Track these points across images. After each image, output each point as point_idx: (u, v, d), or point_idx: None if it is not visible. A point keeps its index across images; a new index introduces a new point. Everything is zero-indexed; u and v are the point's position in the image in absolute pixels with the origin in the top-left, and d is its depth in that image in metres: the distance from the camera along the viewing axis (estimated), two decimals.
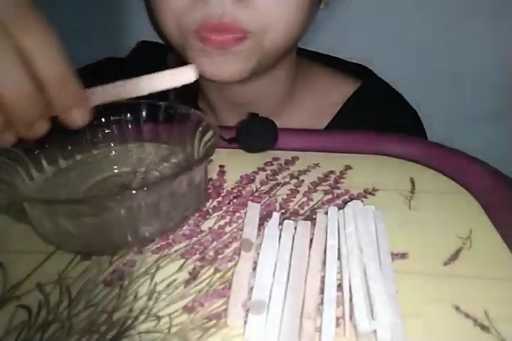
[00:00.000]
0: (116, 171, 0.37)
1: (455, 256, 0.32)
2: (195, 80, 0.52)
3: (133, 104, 0.38)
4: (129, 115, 0.38)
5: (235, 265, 0.31)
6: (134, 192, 0.27)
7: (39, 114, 0.25)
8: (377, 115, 0.57)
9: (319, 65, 0.60)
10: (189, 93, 0.60)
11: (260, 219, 0.35)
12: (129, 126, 0.39)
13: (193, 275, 0.30)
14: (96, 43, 0.63)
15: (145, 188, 0.27)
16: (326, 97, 0.59)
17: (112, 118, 0.38)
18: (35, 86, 0.24)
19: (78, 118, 0.27)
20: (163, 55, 0.60)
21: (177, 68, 0.32)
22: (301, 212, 0.36)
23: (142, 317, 0.27)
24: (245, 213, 0.35)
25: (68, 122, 0.27)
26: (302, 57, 0.59)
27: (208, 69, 0.46)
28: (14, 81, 0.24)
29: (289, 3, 0.43)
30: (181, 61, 0.51)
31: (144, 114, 0.38)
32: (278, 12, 0.43)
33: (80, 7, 0.61)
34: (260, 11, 0.43)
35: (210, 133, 0.34)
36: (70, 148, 0.37)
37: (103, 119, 0.38)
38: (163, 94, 0.60)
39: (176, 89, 0.61)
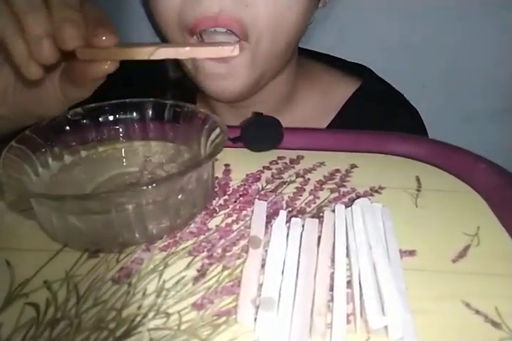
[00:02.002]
0: (122, 170, 0.37)
1: (463, 253, 0.32)
2: (193, 81, 0.52)
3: (139, 103, 0.38)
4: (134, 113, 0.38)
5: (244, 262, 0.30)
6: (144, 188, 0.27)
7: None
8: (379, 114, 0.57)
9: (320, 65, 0.60)
10: (187, 94, 0.60)
11: (267, 217, 0.35)
12: (135, 125, 0.38)
13: (202, 273, 0.30)
14: None
15: (154, 184, 0.27)
16: (327, 97, 0.59)
17: (117, 116, 0.38)
18: None
19: (102, 38, 0.30)
20: None
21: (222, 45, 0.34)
22: (308, 210, 0.36)
23: (151, 314, 0.27)
24: (252, 211, 0.35)
25: (94, 43, 0.30)
26: (303, 57, 0.59)
27: (211, 88, 0.47)
28: None
29: (289, 2, 0.43)
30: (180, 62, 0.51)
31: (149, 112, 0.38)
32: (279, 12, 0.43)
33: None
34: (262, 10, 0.42)
35: (217, 131, 0.34)
36: (75, 144, 0.37)
37: (109, 117, 0.37)
38: (160, 95, 0.60)
39: (173, 90, 0.60)
